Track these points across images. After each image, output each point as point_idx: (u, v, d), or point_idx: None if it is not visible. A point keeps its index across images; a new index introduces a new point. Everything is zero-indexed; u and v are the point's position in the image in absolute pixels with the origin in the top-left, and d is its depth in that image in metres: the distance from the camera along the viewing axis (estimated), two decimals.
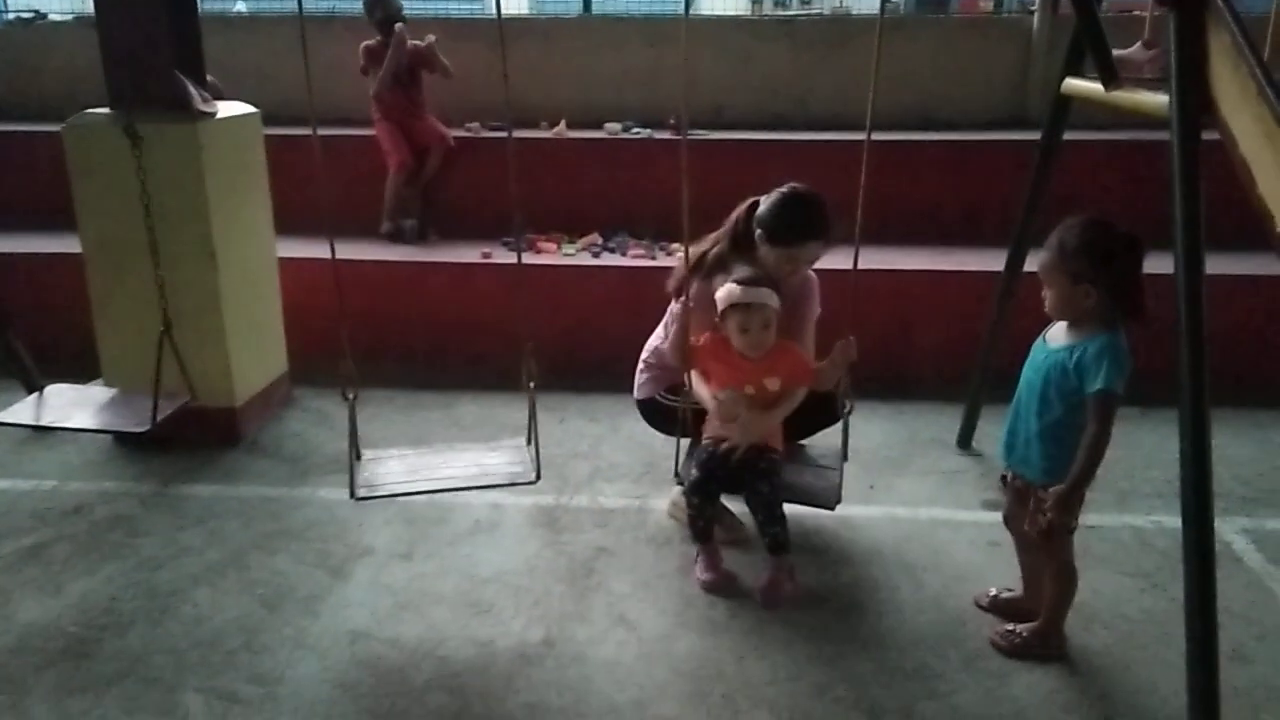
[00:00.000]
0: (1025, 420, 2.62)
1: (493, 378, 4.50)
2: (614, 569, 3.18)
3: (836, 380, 3.00)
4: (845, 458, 3.12)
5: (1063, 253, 2.47)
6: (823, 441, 3.36)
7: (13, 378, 3.97)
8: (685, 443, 3.17)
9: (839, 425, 3.09)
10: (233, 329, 3.98)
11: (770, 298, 2.87)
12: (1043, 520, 2.52)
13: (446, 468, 3.00)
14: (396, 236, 5.35)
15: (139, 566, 3.19)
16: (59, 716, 2.50)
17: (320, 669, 2.69)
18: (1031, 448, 2.60)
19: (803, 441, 3.36)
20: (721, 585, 3.02)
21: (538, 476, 2.91)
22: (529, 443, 3.05)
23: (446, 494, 3.49)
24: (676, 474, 3.14)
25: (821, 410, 3.15)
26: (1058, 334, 2.59)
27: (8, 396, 3.81)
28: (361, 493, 2.87)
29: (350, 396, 2.85)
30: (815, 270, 3.21)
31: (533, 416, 3.00)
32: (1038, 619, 2.75)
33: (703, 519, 3.03)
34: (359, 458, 3.02)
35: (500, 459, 3.06)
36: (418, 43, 5.49)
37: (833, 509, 3.07)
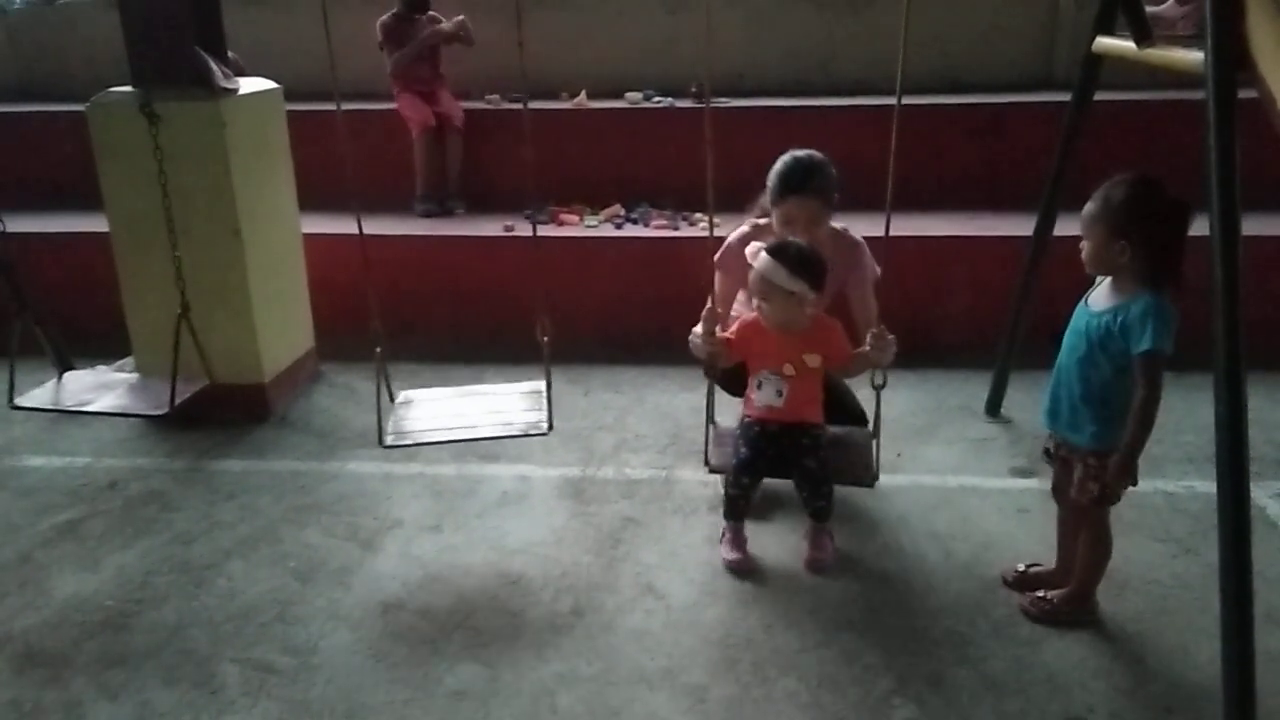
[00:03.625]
0: (1069, 386, 2.59)
1: (517, 350, 4.48)
2: (641, 539, 3.19)
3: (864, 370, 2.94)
4: (876, 434, 3.02)
5: (1106, 206, 2.44)
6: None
7: (43, 358, 4.01)
8: (712, 429, 3.13)
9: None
10: (259, 306, 4.01)
11: (790, 281, 2.74)
12: (1093, 488, 2.52)
13: (470, 415, 3.16)
14: (434, 213, 5.32)
15: (173, 541, 3.23)
16: (98, 688, 2.55)
17: (353, 639, 2.73)
18: (1079, 413, 2.57)
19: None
20: (748, 566, 3.00)
21: (550, 427, 3.04)
22: (548, 387, 3.16)
23: (474, 467, 3.57)
24: (706, 461, 3.08)
25: (838, 409, 3.14)
26: (1099, 297, 2.56)
27: (40, 375, 3.86)
28: (390, 440, 3.02)
29: (378, 350, 3.01)
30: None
31: (549, 369, 3.08)
32: (1062, 576, 2.77)
33: (746, 499, 2.99)
34: (393, 399, 3.23)
35: (519, 406, 3.20)
36: (443, 28, 5.47)
37: (872, 486, 3.05)
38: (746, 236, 3.15)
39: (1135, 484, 2.54)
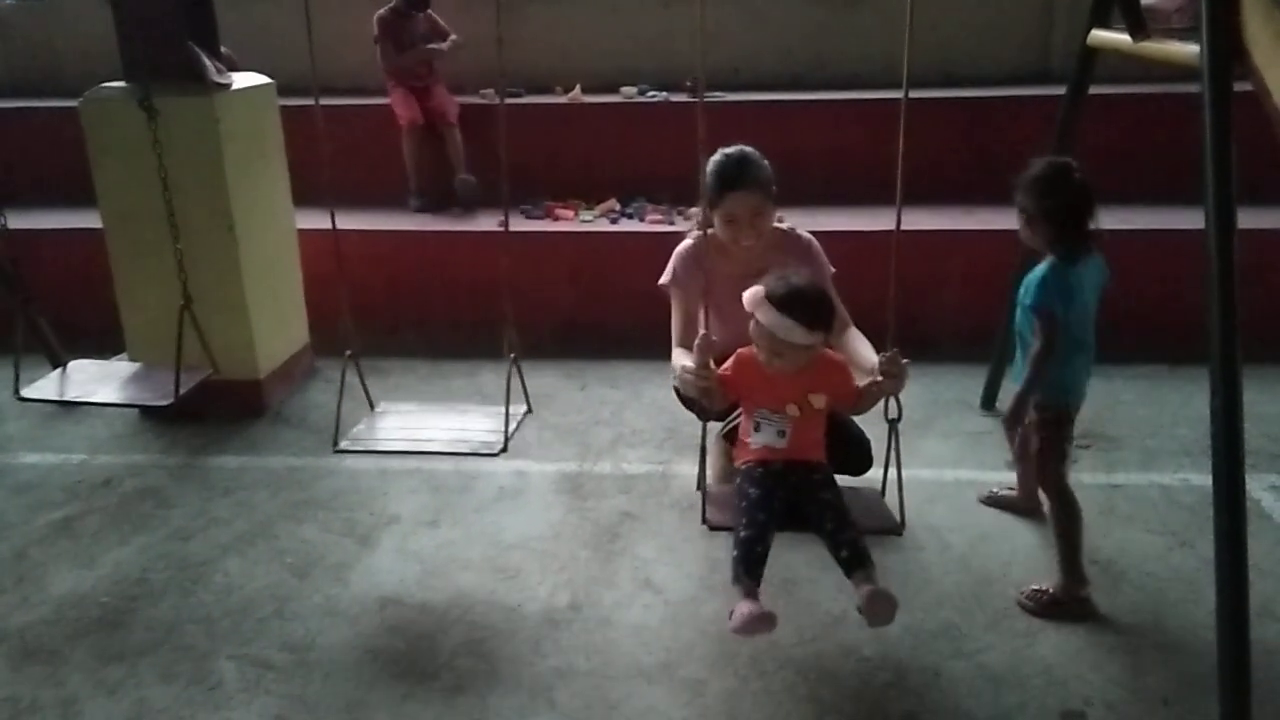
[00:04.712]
0: (1018, 345, 2.88)
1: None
2: (639, 534, 3.19)
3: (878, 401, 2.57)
4: (898, 475, 2.61)
5: (1020, 189, 2.75)
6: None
7: (38, 353, 4.00)
8: (710, 493, 2.75)
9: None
10: (254, 301, 4.00)
11: (808, 337, 2.41)
12: (1034, 440, 2.81)
13: (431, 430, 3.14)
14: (431, 206, 5.32)
15: (169, 537, 3.23)
16: (95, 685, 2.55)
17: (351, 635, 2.73)
18: (1016, 367, 2.89)
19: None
20: (769, 623, 2.28)
21: (504, 448, 2.94)
22: (527, 410, 3.17)
23: (470, 463, 3.57)
24: (704, 519, 2.64)
25: (848, 448, 2.88)
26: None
27: (33, 372, 3.84)
28: (343, 445, 3.03)
29: (348, 354, 3.02)
30: (830, 234, 3.15)
31: (509, 387, 3.03)
32: (1026, 500, 3.15)
33: (763, 543, 2.39)
34: (373, 407, 3.24)
35: (484, 426, 3.14)
36: (439, 48, 5.49)
37: (901, 533, 2.68)
38: (691, 249, 3.00)
39: (1068, 443, 2.80)
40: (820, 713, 2.41)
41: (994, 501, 3.28)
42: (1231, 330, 2.07)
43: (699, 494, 2.72)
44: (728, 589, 2.54)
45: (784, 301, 2.41)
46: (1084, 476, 3.30)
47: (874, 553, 2.93)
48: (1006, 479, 3.41)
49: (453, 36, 5.56)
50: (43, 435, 3.98)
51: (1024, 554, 3.02)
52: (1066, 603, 2.73)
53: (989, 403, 4.05)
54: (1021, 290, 2.78)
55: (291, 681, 2.55)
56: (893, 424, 2.55)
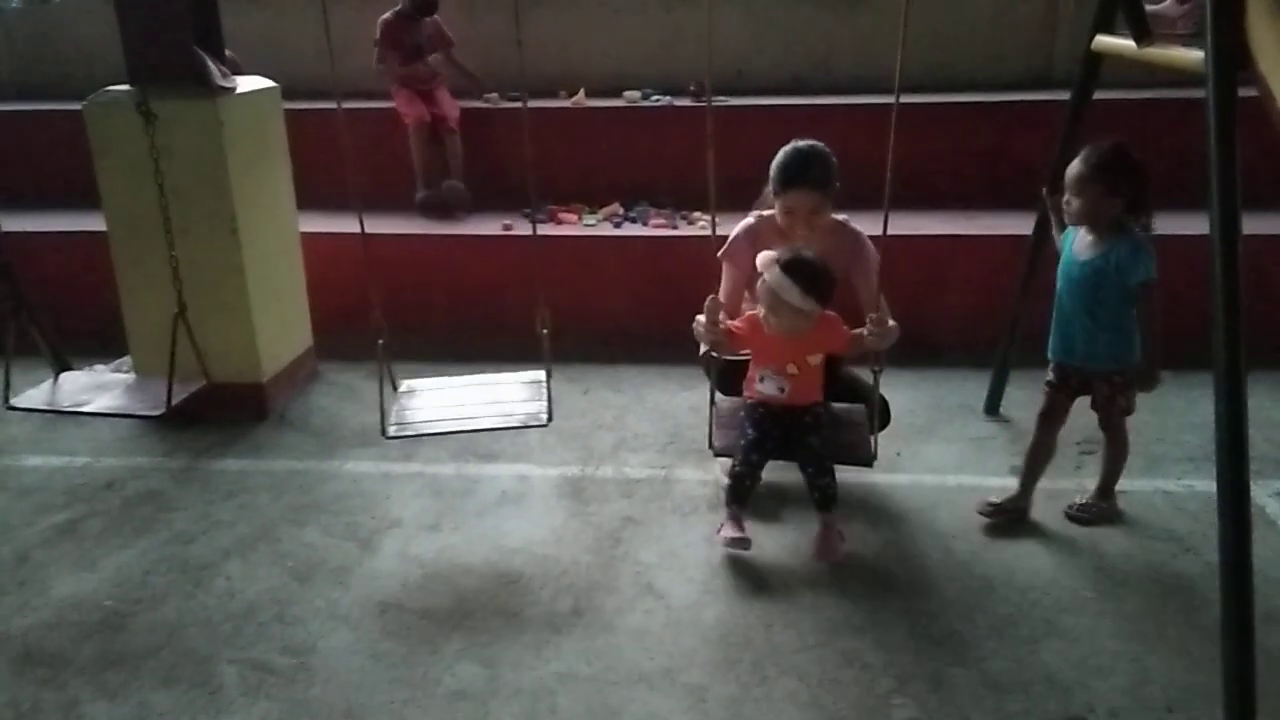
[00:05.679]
0: (1081, 323, 2.99)
1: (517, 349, 4.47)
2: (641, 539, 3.18)
3: (864, 353, 2.98)
4: (874, 418, 3.08)
5: (1100, 168, 2.86)
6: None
7: (41, 357, 4.01)
8: (715, 410, 3.13)
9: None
10: (257, 305, 4.00)
11: (802, 301, 2.78)
12: (1121, 402, 3.05)
13: (470, 406, 3.25)
14: (433, 202, 5.29)
15: (171, 540, 3.23)
16: (97, 688, 2.55)
17: (352, 639, 2.72)
18: (1096, 342, 2.98)
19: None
20: (748, 546, 2.97)
21: (550, 417, 3.13)
22: (548, 378, 3.26)
23: (472, 466, 3.60)
24: (711, 444, 3.10)
25: (844, 389, 3.24)
26: (1083, 246, 2.98)
27: (37, 375, 3.85)
28: (392, 430, 3.12)
29: (380, 342, 3.10)
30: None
31: (548, 362, 3.19)
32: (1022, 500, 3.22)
33: (753, 480, 2.97)
34: (395, 388, 3.36)
35: (520, 396, 3.30)
36: (438, 74, 5.53)
37: (870, 465, 3.08)
38: (752, 228, 3.19)
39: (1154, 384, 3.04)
40: (823, 719, 2.40)
41: (993, 512, 3.19)
42: (1236, 335, 2.06)
43: (701, 492, 3.15)
44: (729, 591, 2.90)
45: (788, 264, 2.79)
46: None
47: (874, 552, 2.99)
48: (1009, 485, 3.40)
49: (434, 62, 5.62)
50: (46, 438, 3.98)
51: (1027, 559, 3.01)
52: (1104, 508, 3.20)
53: (992, 408, 4.04)
54: (1090, 275, 2.93)
55: (292, 686, 2.54)
56: (876, 374, 2.98)
